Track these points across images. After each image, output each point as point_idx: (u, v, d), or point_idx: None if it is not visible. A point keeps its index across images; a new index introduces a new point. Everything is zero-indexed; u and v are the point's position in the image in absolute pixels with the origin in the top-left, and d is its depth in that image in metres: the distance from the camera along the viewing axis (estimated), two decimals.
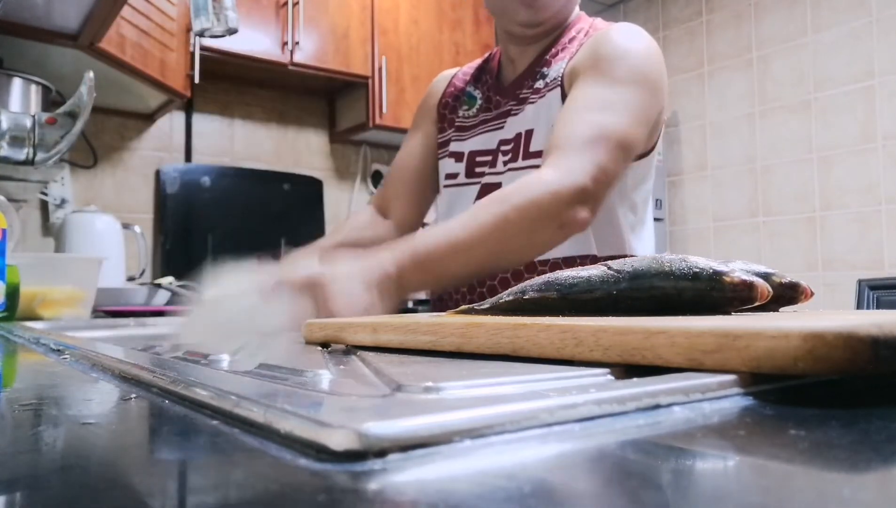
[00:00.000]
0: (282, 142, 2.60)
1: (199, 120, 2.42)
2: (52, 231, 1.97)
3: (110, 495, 0.16)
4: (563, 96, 0.95)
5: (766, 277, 0.43)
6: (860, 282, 1.72)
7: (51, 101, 1.59)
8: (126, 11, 1.60)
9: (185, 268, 2.19)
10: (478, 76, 1.13)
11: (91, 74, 1.29)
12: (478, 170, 1.04)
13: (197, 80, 2.00)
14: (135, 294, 1.60)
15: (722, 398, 0.24)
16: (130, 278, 1.92)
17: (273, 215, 2.48)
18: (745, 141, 2.79)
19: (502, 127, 1.03)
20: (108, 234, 1.80)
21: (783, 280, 0.45)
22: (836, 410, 0.23)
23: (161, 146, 2.34)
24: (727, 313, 0.40)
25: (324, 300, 0.68)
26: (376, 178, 2.81)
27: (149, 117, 2.28)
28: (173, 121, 2.36)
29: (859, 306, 1.70)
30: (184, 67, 1.99)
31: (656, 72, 0.93)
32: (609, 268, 0.42)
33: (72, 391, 0.33)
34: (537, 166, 0.90)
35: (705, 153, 2.92)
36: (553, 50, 1.02)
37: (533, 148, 0.96)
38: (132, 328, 0.99)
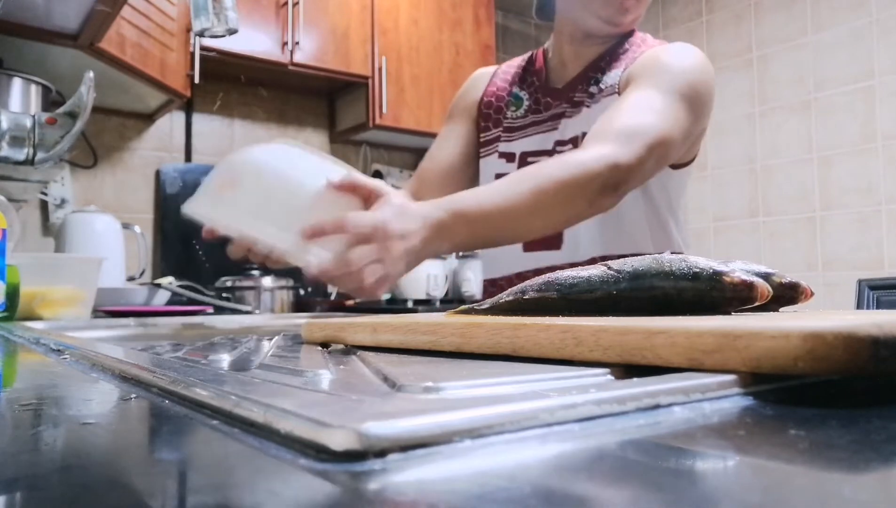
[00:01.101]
0: None
1: (199, 120, 2.42)
2: (52, 231, 1.97)
3: (110, 495, 0.16)
4: None
5: (766, 277, 0.43)
6: (860, 282, 1.72)
7: (51, 101, 1.59)
8: (126, 11, 1.60)
9: (185, 268, 2.20)
10: (523, 77, 1.14)
11: (91, 74, 1.29)
12: None
13: (197, 80, 2.00)
14: (135, 294, 1.60)
15: (722, 398, 0.24)
16: (130, 278, 1.92)
17: None
18: (745, 141, 2.78)
19: (556, 129, 1.05)
20: (108, 234, 1.80)
21: (783, 280, 0.45)
22: (836, 410, 0.23)
23: (161, 146, 2.34)
24: (727, 313, 0.40)
25: (383, 219, 0.72)
26: (376, 178, 2.81)
27: (149, 117, 2.28)
28: (173, 121, 2.36)
29: (859, 306, 1.70)
30: (184, 67, 1.99)
31: (707, 94, 0.97)
32: (609, 268, 0.42)
33: (72, 391, 0.33)
34: None
35: (705, 153, 2.92)
36: (608, 57, 1.04)
37: None
38: (132, 328, 0.99)
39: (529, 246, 1.04)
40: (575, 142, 1.01)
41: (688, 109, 0.93)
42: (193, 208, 0.80)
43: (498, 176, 1.08)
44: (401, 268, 0.75)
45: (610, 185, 0.85)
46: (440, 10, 2.62)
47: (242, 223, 0.77)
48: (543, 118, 1.08)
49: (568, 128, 1.04)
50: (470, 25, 2.70)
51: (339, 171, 0.79)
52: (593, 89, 1.03)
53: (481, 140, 1.15)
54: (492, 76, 1.19)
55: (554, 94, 1.08)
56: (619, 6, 1.00)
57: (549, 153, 1.04)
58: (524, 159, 1.07)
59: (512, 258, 1.09)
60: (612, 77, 1.01)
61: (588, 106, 1.02)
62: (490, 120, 1.15)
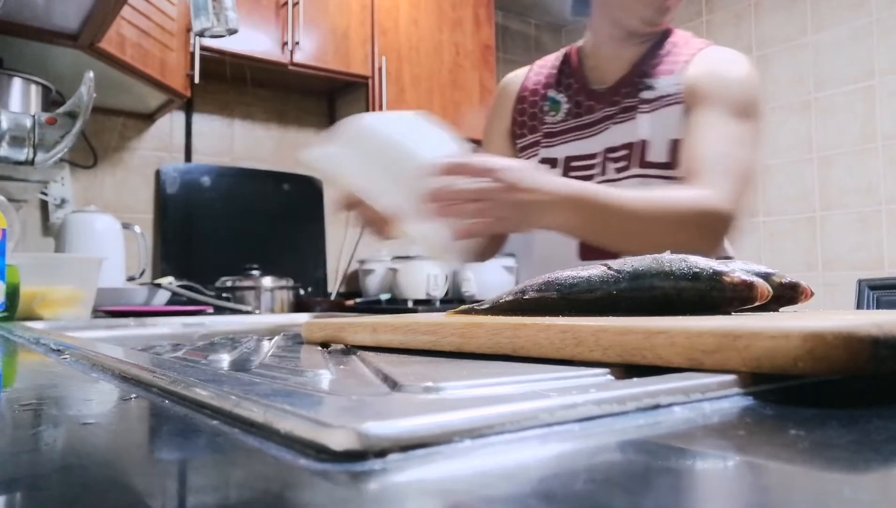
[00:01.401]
0: (282, 142, 2.60)
1: (199, 120, 2.42)
2: (52, 231, 1.97)
3: (110, 495, 0.16)
4: (685, 115, 0.99)
5: (766, 277, 0.43)
6: (860, 282, 1.72)
7: (51, 101, 1.59)
8: (126, 11, 1.60)
9: (185, 268, 2.20)
10: (559, 80, 1.11)
11: (91, 74, 1.29)
12: (576, 175, 1.03)
13: (197, 80, 2.00)
14: (135, 294, 1.60)
15: (722, 398, 0.24)
16: (130, 278, 1.92)
17: (273, 215, 2.48)
18: None
19: (602, 133, 1.03)
20: (108, 234, 1.80)
21: (783, 280, 0.45)
22: (836, 410, 0.23)
23: (161, 146, 2.34)
24: (727, 313, 0.40)
25: (519, 167, 0.75)
26: None
27: (149, 117, 2.28)
28: (173, 121, 2.36)
29: (859, 306, 1.70)
30: (184, 67, 1.99)
31: (762, 102, 1.00)
32: (609, 268, 0.42)
33: (72, 391, 0.33)
34: (654, 177, 0.98)
35: None
36: (651, 60, 1.03)
37: (649, 158, 0.99)
38: (132, 328, 0.99)
39: (587, 254, 1.03)
40: (630, 148, 1.00)
41: (758, 127, 0.97)
42: (315, 157, 0.82)
43: None
44: (512, 219, 0.77)
45: (728, 225, 0.88)
46: (440, 10, 2.62)
47: (361, 178, 0.79)
48: (586, 122, 1.05)
49: (619, 133, 1.01)
50: (470, 25, 2.70)
51: (464, 149, 0.82)
52: (647, 95, 1.01)
53: (518, 146, 1.13)
54: (523, 81, 1.16)
55: (596, 97, 1.06)
56: (660, 6, 0.99)
57: (596, 158, 1.03)
58: (569, 165, 1.05)
59: (566, 263, 1.09)
60: (666, 84, 1.00)
61: (644, 112, 1.00)
62: (525, 127, 1.12)
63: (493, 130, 1.18)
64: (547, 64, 1.15)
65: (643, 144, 0.99)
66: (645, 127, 0.99)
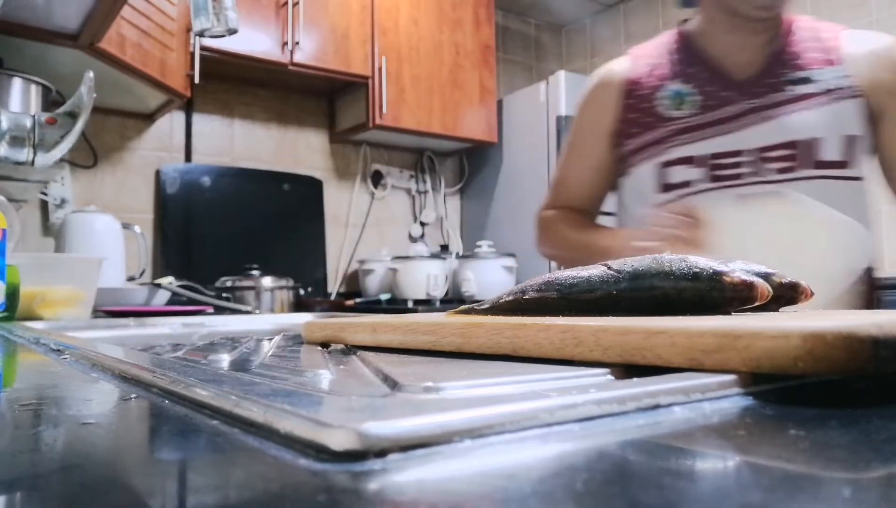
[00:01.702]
0: (282, 142, 2.60)
1: (199, 120, 2.42)
2: (52, 231, 1.97)
3: (110, 495, 0.16)
4: (870, 113, 0.95)
5: (766, 277, 0.43)
6: None
7: (51, 101, 1.59)
8: (126, 11, 1.60)
9: (185, 268, 2.20)
10: (680, 70, 1.00)
11: (91, 74, 1.29)
12: (725, 173, 0.95)
13: (197, 80, 2.00)
14: (135, 294, 1.60)
15: (722, 398, 0.24)
16: (130, 278, 1.92)
17: (273, 215, 2.48)
18: None
19: (747, 128, 0.94)
20: (108, 234, 1.80)
21: (783, 280, 0.45)
22: (836, 410, 0.23)
23: (161, 146, 2.34)
24: (727, 313, 0.40)
25: None
26: (376, 178, 2.82)
27: (149, 117, 2.28)
28: (173, 121, 2.36)
29: None
30: (184, 67, 1.99)
31: None
32: (609, 268, 0.42)
33: (72, 391, 0.33)
34: (831, 178, 0.92)
35: None
36: (791, 48, 0.97)
37: (823, 157, 0.92)
38: (132, 328, 0.99)
39: None
40: (794, 147, 0.92)
41: None
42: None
43: (680, 185, 0.98)
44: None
45: None
46: (440, 10, 2.62)
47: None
48: (725, 117, 0.96)
49: (771, 130, 0.93)
50: (470, 25, 2.70)
51: None
52: (808, 89, 0.93)
53: (628, 148, 1.02)
54: (626, 73, 1.04)
55: (733, 88, 0.96)
56: None
57: (748, 155, 0.94)
58: (712, 163, 0.96)
59: None
60: (829, 75, 0.94)
61: (809, 109, 0.93)
62: (638, 125, 1.01)
63: (589, 131, 1.07)
64: (652, 53, 1.05)
65: (814, 143, 0.92)
66: (813, 123, 0.92)
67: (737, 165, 0.94)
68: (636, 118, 1.01)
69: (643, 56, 1.05)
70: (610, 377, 0.30)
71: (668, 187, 0.98)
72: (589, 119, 1.08)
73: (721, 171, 0.95)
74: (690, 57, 1.01)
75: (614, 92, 1.04)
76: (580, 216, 1.11)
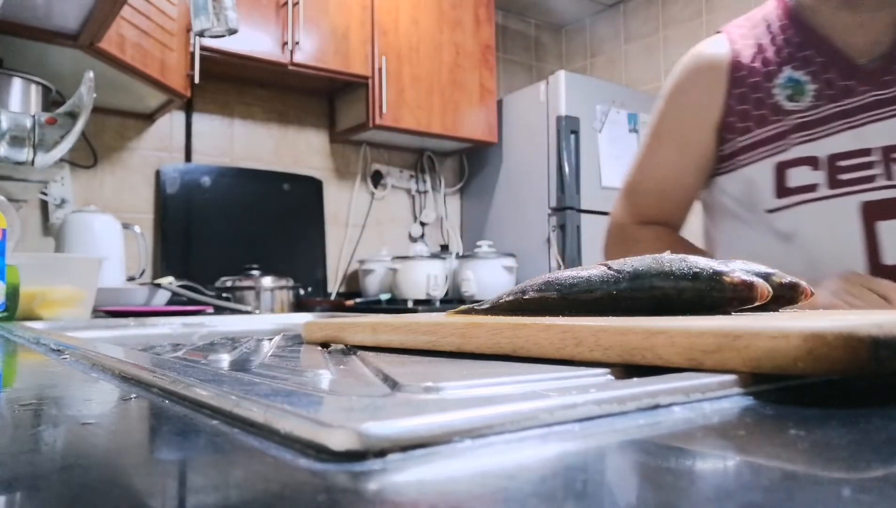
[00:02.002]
0: (282, 142, 2.60)
1: (198, 120, 2.42)
2: (52, 231, 1.97)
3: (110, 495, 0.16)
4: None
5: (766, 277, 0.43)
6: None
7: (51, 101, 1.59)
8: (126, 11, 1.60)
9: (185, 268, 2.20)
10: (791, 53, 0.86)
11: (91, 74, 1.29)
12: (848, 177, 0.82)
13: (197, 80, 2.00)
14: (135, 294, 1.60)
15: (722, 398, 0.24)
16: (130, 278, 1.92)
17: (273, 215, 2.48)
18: None
19: (873, 123, 0.82)
20: (108, 234, 1.80)
21: (783, 280, 0.45)
22: (836, 410, 0.23)
23: (161, 146, 2.34)
24: (727, 313, 0.40)
25: None
26: (376, 178, 2.82)
27: (149, 117, 2.28)
28: (173, 121, 2.36)
29: None
30: (184, 67, 1.99)
31: None
32: (609, 268, 0.42)
33: (72, 391, 0.33)
34: None
35: None
36: None
37: None
38: (132, 328, 0.99)
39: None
40: None
41: None
42: None
43: (796, 189, 0.84)
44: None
45: None
46: (440, 10, 2.62)
47: None
48: (849, 108, 0.82)
49: None
50: (470, 25, 2.70)
51: None
52: None
53: (739, 144, 0.88)
54: (731, 56, 0.89)
55: (856, 74, 0.83)
56: None
57: (873, 155, 0.81)
58: (835, 165, 0.82)
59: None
60: None
61: None
62: (750, 118, 0.87)
63: (690, 123, 0.92)
64: (754, 32, 0.90)
65: None
66: None
67: (863, 166, 0.81)
68: (747, 110, 0.87)
69: (744, 35, 0.90)
70: (610, 377, 0.30)
71: (786, 192, 0.85)
72: (689, 110, 0.92)
73: (843, 174, 0.82)
74: (801, 36, 0.87)
75: (720, 77, 0.89)
76: (679, 238, 0.98)
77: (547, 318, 0.38)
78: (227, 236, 2.35)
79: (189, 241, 2.29)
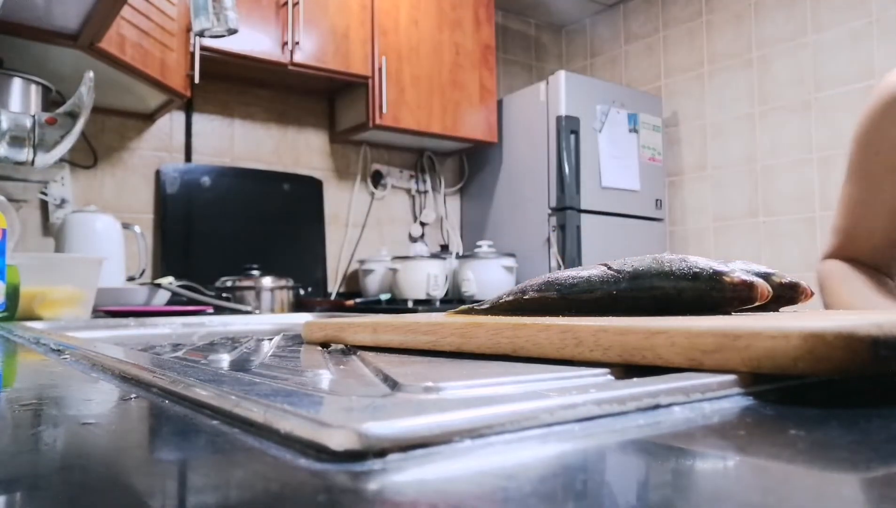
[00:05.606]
0: (282, 142, 2.60)
1: (198, 120, 2.42)
2: (52, 231, 1.97)
3: (110, 495, 0.16)
4: None
5: (766, 277, 0.43)
6: None
7: (51, 101, 1.59)
8: (126, 11, 1.60)
9: (185, 268, 2.19)
10: None
11: (91, 74, 1.29)
12: None
13: (197, 80, 2.00)
14: (135, 294, 1.60)
15: (722, 398, 0.24)
16: (130, 278, 1.92)
17: (273, 215, 2.48)
18: (745, 141, 2.78)
19: None
20: (108, 234, 1.80)
21: (783, 280, 0.45)
22: (836, 410, 0.23)
23: (161, 146, 2.34)
24: (727, 313, 0.40)
25: None
26: (376, 178, 2.82)
27: (149, 117, 2.28)
28: (173, 121, 2.36)
29: None
30: (184, 67, 1.99)
31: None
32: (609, 268, 0.42)
33: (72, 391, 0.33)
34: None
35: (705, 153, 2.91)
36: None
37: None
38: (132, 328, 0.99)
39: None
40: None
41: None
42: None
43: None
44: None
45: None
46: (440, 10, 2.62)
47: None
48: None
49: None
50: (470, 25, 2.70)
51: None
52: None
53: None
54: None
55: None
56: None
57: None
58: None
59: None
60: None
61: None
62: None
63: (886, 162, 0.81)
64: None
65: None
66: None
67: None
68: None
69: None
70: (610, 377, 0.30)
71: None
72: (890, 142, 0.82)
73: None
74: None
75: None
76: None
77: (547, 318, 0.38)
78: (227, 236, 2.35)
79: (189, 241, 2.29)
